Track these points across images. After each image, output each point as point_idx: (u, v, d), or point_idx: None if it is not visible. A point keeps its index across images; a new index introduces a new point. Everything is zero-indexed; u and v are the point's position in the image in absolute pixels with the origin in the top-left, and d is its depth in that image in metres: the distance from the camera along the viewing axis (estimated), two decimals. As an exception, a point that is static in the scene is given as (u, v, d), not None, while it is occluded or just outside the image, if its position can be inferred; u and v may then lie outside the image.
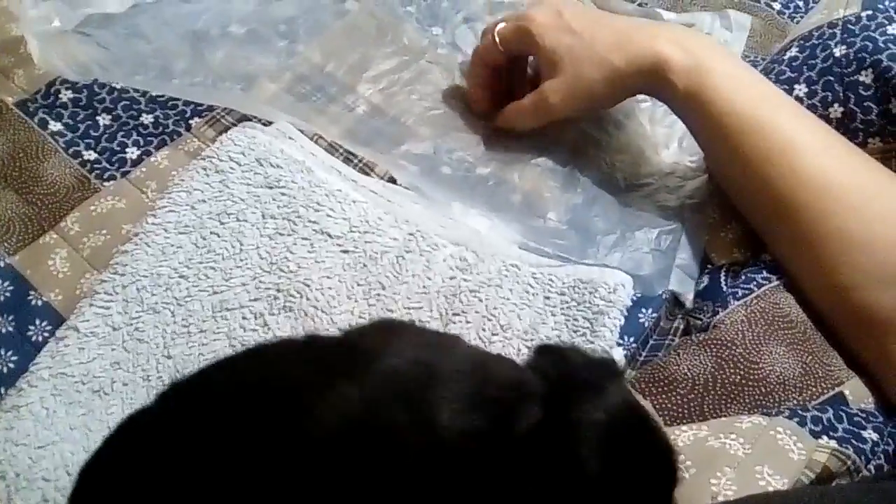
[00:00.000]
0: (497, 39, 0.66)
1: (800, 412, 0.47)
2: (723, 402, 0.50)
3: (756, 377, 0.50)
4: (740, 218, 0.62)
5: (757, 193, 0.57)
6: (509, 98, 0.69)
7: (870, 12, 0.60)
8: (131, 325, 0.56)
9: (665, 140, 0.71)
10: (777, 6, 0.80)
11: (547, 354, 0.44)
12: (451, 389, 0.38)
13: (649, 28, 0.63)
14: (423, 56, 0.74)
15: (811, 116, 0.58)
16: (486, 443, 0.37)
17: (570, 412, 0.38)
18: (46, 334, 0.57)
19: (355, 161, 0.66)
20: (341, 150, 0.67)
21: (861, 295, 0.51)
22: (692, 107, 0.59)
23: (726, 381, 0.51)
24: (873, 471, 0.45)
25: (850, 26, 0.61)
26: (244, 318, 0.57)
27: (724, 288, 0.58)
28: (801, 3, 0.79)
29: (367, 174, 0.65)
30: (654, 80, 0.59)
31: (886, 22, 0.59)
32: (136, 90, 0.69)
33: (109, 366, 0.55)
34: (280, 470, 0.37)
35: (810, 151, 0.55)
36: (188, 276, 0.58)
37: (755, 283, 0.57)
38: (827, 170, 0.54)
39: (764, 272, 0.57)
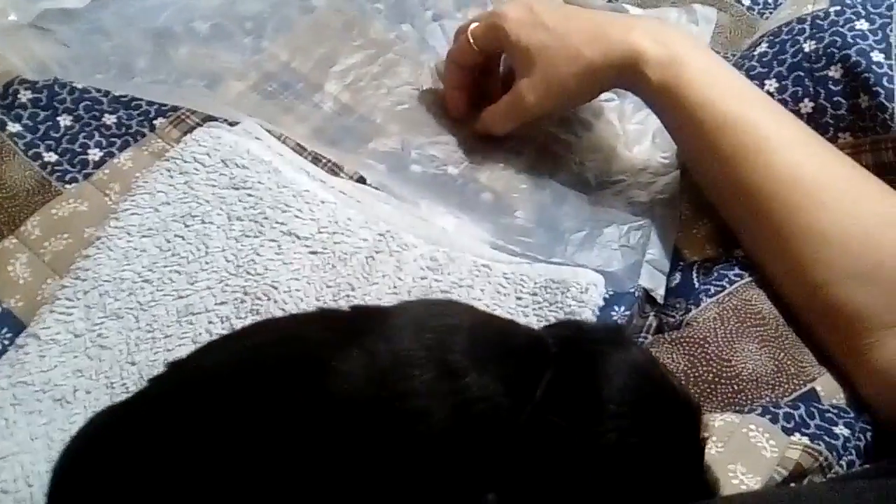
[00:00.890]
0: (471, 39, 0.65)
1: (772, 409, 0.47)
2: (695, 400, 0.50)
3: (728, 375, 0.50)
4: (712, 214, 0.62)
5: (730, 188, 0.57)
6: (484, 98, 0.68)
7: (838, 7, 0.60)
8: (94, 331, 0.55)
9: (636, 137, 0.70)
10: (746, 2, 0.80)
11: (554, 326, 0.45)
12: (473, 341, 0.39)
13: (623, 21, 0.62)
14: (389, 49, 0.73)
15: (785, 112, 0.58)
16: (515, 395, 0.37)
17: (592, 363, 0.39)
18: (7, 342, 0.55)
19: (323, 161, 0.65)
20: (308, 152, 0.65)
21: (833, 291, 0.51)
22: (666, 100, 0.58)
23: (699, 380, 0.50)
24: (845, 466, 0.45)
25: (818, 21, 0.61)
26: (210, 322, 0.55)
27: (697, 285, 0.58)
28: (770, 0, 0.80)
29: (335, 174, 0.64)
30: (628, 73, 0.59)
31: (854, 17, 0.59)
32: (98, 90, 0.67)
33: (71, 373, 0.53)
34: (305, 431, 0.37)
35: (783, 147, 0.54)
36: (152, 280, 0.57)
37: (727, 279, 0.57)
38: (800, 166, 0.54)
39: (736, 269, 0.57)
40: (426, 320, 0.41)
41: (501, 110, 0.65)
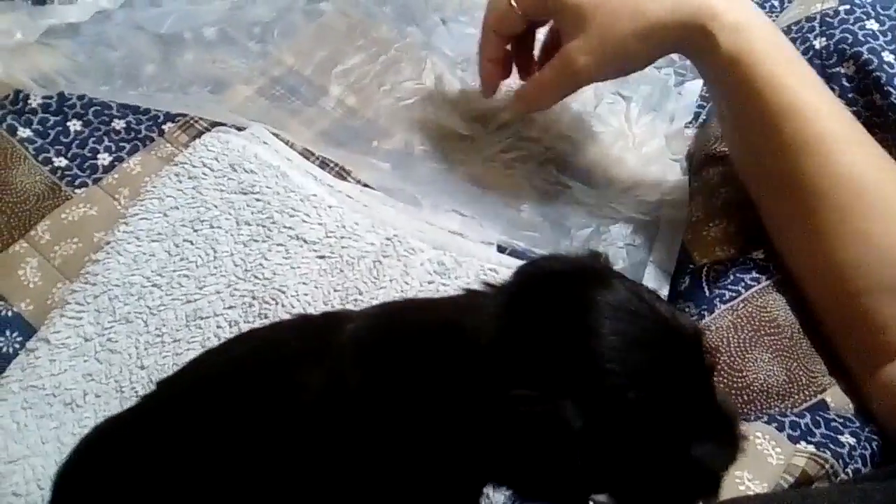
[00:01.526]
0: (514, 3, 0.58)
1: (778, 417, 0.46)
2: (705, 407, 0.49)
3: (740, 385, 0.50)
4: (724, 215, 0.60)
5: (781, 179, 0.53)
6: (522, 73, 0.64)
7: (847, 7, 0.60)
8: (103, 335, 0.55)
9: (645, 137, 0.70)
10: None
11: (522, 272, 0.39)
12: (425, 334, 0.37)
13: None
14: (391, 47, 0.73)
15: (842, 105, 0.54)
16: (480, 375, 0.34)
17: (573, 310, 0.34)
18: (17, 346, 0.56)
19: (330, 166, 0.65)
20: (316, 157, 0.66)
21: (865, 301, 0.49)
22: (732, 72, 0.52)
23: (709, 388, 0.50)
24: (851, 474, 0.45)
25: (828, 19, 0.60)
26: (219, 326, 0.56)
27: (707, 290, 0.57)
28: (776, 3, 0.79)
29: (343, 178, 0.65)
30: (696, 35, 0.53)
31: (864, 17, 0.58)
32: (108, 94, 0.68)
33: (81, 377, 0.54)
34: (283, 437, 0.38)
35: (843, 143, 0.51)
36: (161, 284, 0.57)
37: (743, 284, 0.55)
38: (858, 167, 0.51)
39: (753, 272, 0.55)
40: (377, 326, 0.40)
41: (546, 79, 0.58)
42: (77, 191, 0.63)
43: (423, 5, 0.77)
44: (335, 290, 0.58)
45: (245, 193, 0.61)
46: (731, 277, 0.56)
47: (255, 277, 0.58)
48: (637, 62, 0.57)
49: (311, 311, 0.56)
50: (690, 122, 0.70)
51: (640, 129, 0.70)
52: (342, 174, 0.65)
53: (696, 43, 0.53)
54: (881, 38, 0.57)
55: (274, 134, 0.66)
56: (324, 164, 0.65)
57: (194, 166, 0.61)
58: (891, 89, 0.56)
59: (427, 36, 0.75)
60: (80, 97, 0.67)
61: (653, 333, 0.34)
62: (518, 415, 0.32)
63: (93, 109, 0.67)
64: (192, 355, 0.55)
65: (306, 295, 0.57)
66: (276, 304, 0.56)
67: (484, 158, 0.67)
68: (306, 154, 0.65)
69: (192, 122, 0.66)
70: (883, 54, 0.57)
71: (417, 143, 0.68)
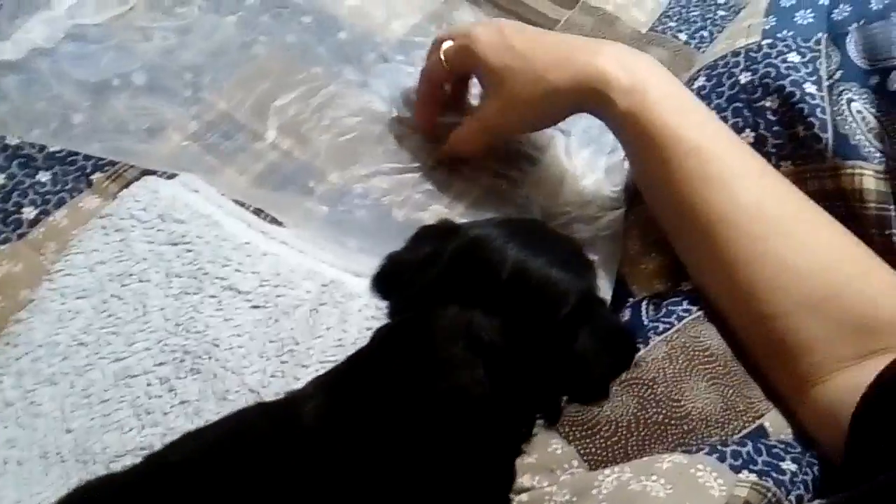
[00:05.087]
0: (442, 58, 0.67)
1: (719, 448, 0.46)
2: (646, 442, 0.49)
3: (678, 415, 0.50)
4: (661, 249, 0.61)
5: (690, 217, 0.56)
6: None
7: (770, 41, 0.61)
8: (26, 399, 0.53)
9: (584, 171, 0.70)
10: (683, 37, 0.81)
11: None
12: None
13: (591, 46, 0.61)
14: (331, 82, 0.74)
15: (742, 142, 0.58)
16: None
17: None
18: (-64, 413, 0.53)
19: (263, 215, 0.64)
20: (248, 206, 0.64)
21: (783, 322, 0.51)
22: (631, 126, 0.58)
23: (649, 421, 0.50)
24: (794, 501, 0.44)
25: (752, 54, 0.62)
26: (149, 384, 0.54)
27: (646, 321, 0.57)
28: (706, 34, 0.81)
29: (278, 224, 0.63)
30: (593, 98, 0.59)
31: (786, 50, 0.60)
32: (33, 145, 0.66)
33: (2, 444, 0.51)
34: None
35: (746, 178, 0.54)
36: (88, 343, 0.55)
37: (676, 315, 0.56)
38: (761, 196, 0.54)
39: (685, 304, 0.56)
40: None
41: (467, 130, 0.67)
42: (1, 247, 0.60)
43: (361, 44, 0.77)
44: (271, 342, 0.56)
45: (175, 244, 0.59)
46: (665, 310, 0.57)
47: (187, 331, 0.56)
48: (544, 121, 0.67)
49: (245, 363, 0.55)
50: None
51: (580, 162, 0.71)
52: (276, 221, 0.64)
53: (595, 104, 0.60)
54: (802, 69, 0.59)
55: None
56: (258, 210, 0.64)
57: (122, 218, 0.60)
58: (813, 120, 0.57)
59: (365, 75, 0.75)
60: (3, 149, 0.65)
61: (531, 243, 0.47)
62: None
63: (17, 162, 0.65)
64: (121, 415, 0.53)
65: (241, 347, 0.56)
66: (210, 358, 0.55)
67: (422, 197, 0.67)
68: (239, 202, 0.64)
69: (121, 171, 0.65)
70: (805, 86, 0.58)
71: (355, 182, 0.67)
